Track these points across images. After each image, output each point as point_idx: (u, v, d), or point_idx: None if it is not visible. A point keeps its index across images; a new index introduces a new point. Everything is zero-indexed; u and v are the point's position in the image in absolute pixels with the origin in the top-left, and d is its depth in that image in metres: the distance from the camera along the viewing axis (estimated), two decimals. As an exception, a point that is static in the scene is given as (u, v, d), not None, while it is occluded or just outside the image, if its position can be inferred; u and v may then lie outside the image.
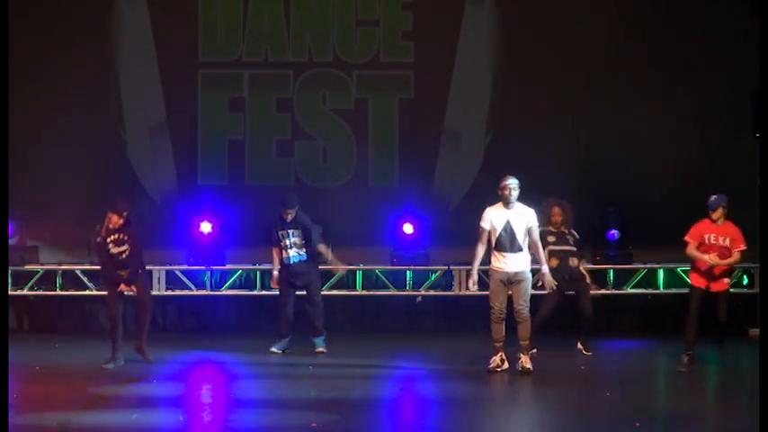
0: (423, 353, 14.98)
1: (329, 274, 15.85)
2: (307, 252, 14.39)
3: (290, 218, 14.35)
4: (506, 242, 12.86)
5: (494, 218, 12.97)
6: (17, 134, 15.49)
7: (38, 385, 12.17)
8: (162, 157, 16.98)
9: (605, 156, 16.83)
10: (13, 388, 11.17)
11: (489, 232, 12.96)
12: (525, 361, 12.88)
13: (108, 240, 13.05)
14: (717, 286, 13.33)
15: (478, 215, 16.51)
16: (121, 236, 13.07)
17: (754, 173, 16.00)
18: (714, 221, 13.29)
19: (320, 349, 14.43)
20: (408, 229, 16.23)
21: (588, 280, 14.57)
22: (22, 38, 16.25)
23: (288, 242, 14.36)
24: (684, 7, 16.95)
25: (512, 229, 12.87)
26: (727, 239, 13.27)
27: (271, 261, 14.61)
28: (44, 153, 16.64)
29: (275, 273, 14.44)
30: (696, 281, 13.36)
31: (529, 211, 13.02)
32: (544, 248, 13.51)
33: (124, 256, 13.04)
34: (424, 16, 17.09)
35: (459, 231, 16.72)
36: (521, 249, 12.90)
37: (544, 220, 13.87)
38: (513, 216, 12.91)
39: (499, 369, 12.91)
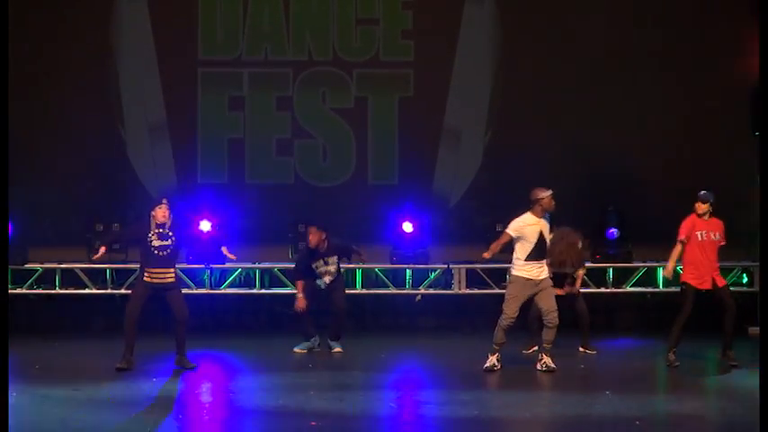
0: (422, 351, 14.99)
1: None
2: (337, 270, 14.44)
3: (323, 247, 14.32)
4: (540, 254, 12.84)
5: (526, 231, 12.84)
6: (17, 133, 15.51)
7: (37, 384, 12.16)
8: (161, 156, 16.99)
9: (605, 154, 16.84)
10: (13, 387, 11.18)
11: (516, 243, 12.88)
12: (549, 361, 12.95)
13: (151, 233, 12.93)
14: (721, 282, 13.31)
15: (478, 214, 16.63)
16: (167, 231, 12.96)
17: (754, 172, 16.04)
18: (700, 216, 13.25)
19: (337, 350, 14.43)
20: (408, 227, 16.24)
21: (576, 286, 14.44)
22: (22, 38, 16.25)
23: (323, 270, 14.35)
24: (685, 7, 16.95)
25: (544, 241, 12.87)
26: (717, 234, 13.26)
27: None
28: (44, 152, 16.65)
29: (301, 296, 14.32)
30: (697, 283, 13.32)
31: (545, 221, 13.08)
32: None
33: (164, 253, 12.90)
34: (423, 15, 17.10)
35: (459, 230, 16.79)
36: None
37: None
38: (544, 227, 12.90)
39: (495, 369, 12.96)
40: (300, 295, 14.30)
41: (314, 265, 14.34)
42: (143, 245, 12.93)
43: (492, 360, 13.00)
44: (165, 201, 13.09)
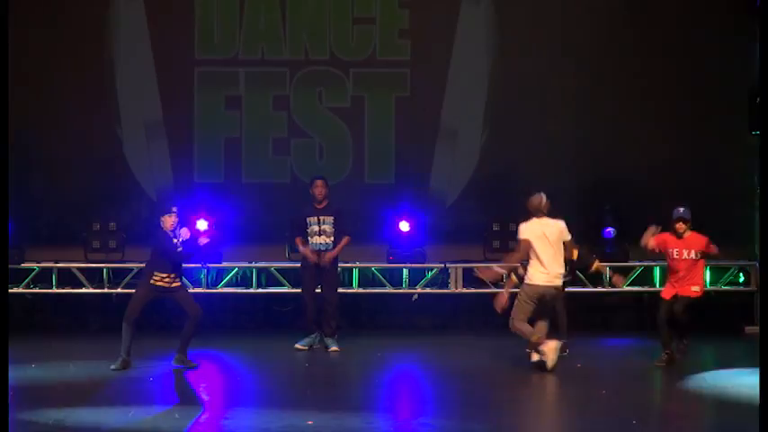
0: (419, 350, 14.98)
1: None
2: (333, 242, 14.37)
3: (324, 204, 14.33)
4: (545, 254, 12.78)
5: (530, 231, 12.83)
6: (15, 132, 15.49)
7: (34, 382, 12.16)
8: (158, 155, 16.97)
9: (602, 153, 16.84)
10: (10, 385, 11.16)
11: (529, 244, 12.81)
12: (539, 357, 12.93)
13: (177, 240, 12.97)
14: (683, 292, 13.31)
15: (475, 213, 16.63)
16: (177, 241, 13.05)
17: (753, 172, 16.04)
18: (679, 236, 13.28)
19: (334, 349, 14.38)
20: (405, 226, 16.23)
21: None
22: (20, 37, 16.20)
23: (317, 228, 14.32)
24: (684, 6, 16.93)
25: (548, 240, 12.82)
26: (693, 252, 13.25)
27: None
28: (41, 151, 16.64)
29: (308, 251, 14.27)
30: (664, 293, 13.41)
31: (561, 223, 13.00)
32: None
33: (179, 258, 13.08)
34: (420, 14, 17.08)
35: (456, 229, 16.78)
36: (558, 261, 12.88)
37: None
38: (546, 227, 12.86)
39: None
40: (307, 250, 14.22)
41: (309, 220, 14.30)
42: (168, 250, 12.97)
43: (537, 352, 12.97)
44: (174, 209, 13.13)
